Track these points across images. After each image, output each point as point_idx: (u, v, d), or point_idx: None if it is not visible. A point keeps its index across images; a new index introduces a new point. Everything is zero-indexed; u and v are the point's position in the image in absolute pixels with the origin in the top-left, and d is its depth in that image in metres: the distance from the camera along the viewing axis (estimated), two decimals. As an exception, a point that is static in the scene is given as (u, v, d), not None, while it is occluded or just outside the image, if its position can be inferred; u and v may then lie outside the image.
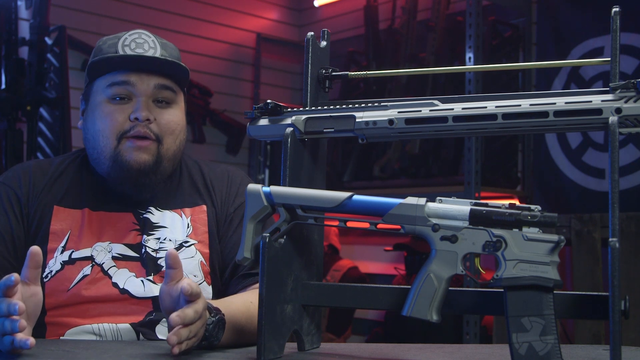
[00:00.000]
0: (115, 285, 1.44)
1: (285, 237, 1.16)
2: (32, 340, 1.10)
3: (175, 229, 1.52)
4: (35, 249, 1.18)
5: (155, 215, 1.53)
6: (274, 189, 1.16)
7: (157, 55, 1.50)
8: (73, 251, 1.46)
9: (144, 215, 1.52)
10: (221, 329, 1.26)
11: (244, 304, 1.39)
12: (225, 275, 1.55)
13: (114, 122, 1.47)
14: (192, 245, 1.52)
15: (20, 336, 1.10)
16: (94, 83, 1.53)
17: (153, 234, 1.51)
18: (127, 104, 1.49)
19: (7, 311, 1.11)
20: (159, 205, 1.55)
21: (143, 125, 1.47)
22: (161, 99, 1.51)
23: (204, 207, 1.57)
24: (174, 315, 1.14)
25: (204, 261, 1.52)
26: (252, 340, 1.32)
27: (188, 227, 1.54)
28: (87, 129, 1.52)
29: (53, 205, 1.50)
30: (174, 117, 1.52)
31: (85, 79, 1.56)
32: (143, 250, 1.49)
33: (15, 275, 1.12)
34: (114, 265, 1.46)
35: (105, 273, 1.45)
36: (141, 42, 1.51)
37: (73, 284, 1.43)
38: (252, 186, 1.17)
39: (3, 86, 3.26)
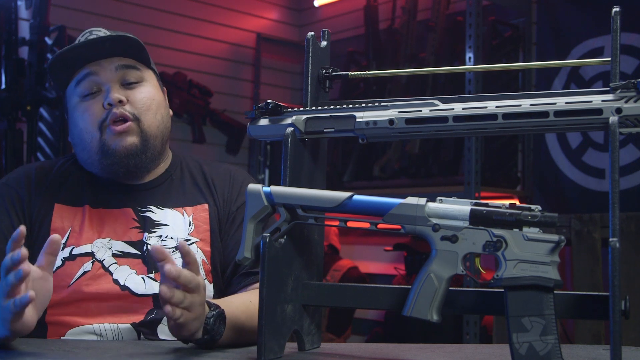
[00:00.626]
0: (116, 281, 1.44)
1: (285, 237, 1.16)
2: (31, 293, 1.07)
3: (176, 227, 1.53)
4: (56, 237, 1.17)
5: (157, 214, 1.53)
6: (275, 188, 1.16)
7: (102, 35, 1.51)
8: (74, 247, 1.46)
9: (145, 214, 1.53)
10: (222, 322, 1.25)
11: (243, 302, 1.39)
12: (226, 274, 1.55)
13: (91, 116, 1.49)
14: (194, 243, 1.52)
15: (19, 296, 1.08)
16: (65, 93, 1.56)
17: (155, 232, 1.51)
18: (98, 96, 1.51)
19: (11, 262, 1.08)
20: (159, 204, 1.55)
21: (117, 108, 1.48)
22: (128, 80, 1.52)
23: (206, 205, 1.57)
24: (169, 266, 1.11)
25: (205, 259, 1.52)
26: (252, 339, 1.32)
27: (190, 225, 1.54)
28: (73, 134, 1.54)
29: (54, 203, 1.50)
30: (147, 93, 1.53)
31: (62, 97, 1.59)
32: (144, 247, 1.49)
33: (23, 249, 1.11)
34: (115, 262, 1.46)
35: (106, 269, 1.45)
36: (92, 37, 1.52)
37: (74, 279, 1.43)
38: (252, 186, 1.17)
39: (3, 86, 3.26)
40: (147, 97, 1.52)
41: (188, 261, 1.17)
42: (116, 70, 1.51)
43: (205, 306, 1.22)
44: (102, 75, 1.50)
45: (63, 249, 1.46)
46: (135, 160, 1.49)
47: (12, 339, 1.17)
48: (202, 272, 1.50)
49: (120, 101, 1.48)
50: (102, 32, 1.54)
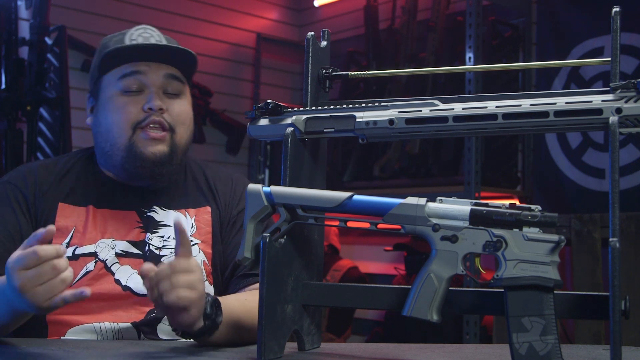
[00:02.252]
0: (117, 282, 1.45)
1: (285, 237, 1.16)
2: (88, 291, 1.16)
3: None
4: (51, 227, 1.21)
5: (160, 214, 1.54)
6: (275, 188, 1.16)
7: (165, 43, 1.53)
8: (77, 247, 1.46)
9: (148, 214, 1.53)
10: (219, 308, 1.27)
11: (238, 299, 1.40)
12: (225, 275, 1.56)
13: (128, 114, 1.49)
14: (196, 245, 1.53)
15: (69, 291, 1.15)
16: (102, 78, 1.55)
17: (157, 232, 1.52)
18: (139, 96, 1.51)
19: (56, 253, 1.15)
20: (163, 204, 1.55)
21: (157, 115, 1.50)
22: (170, 90, 1.54)
23: (209, 208, 1.58)
24: (147, 266, 1.19)
25: (206, 261, 1.53)
26: (251, 338, 1.32)
27: (192, 226, 1.54)
28: (99, 123, 1.53)
29: (58, 202, 1.50)
30: (184, 107, 1.55)
31: (92, 76, 1.58)
32: (146, 247, 1.49)
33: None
34: (117, 262, 1.46)
35: (108, 269, 1.45)
36: (147, 36, 1.54)
37: (76, 280, 1.43)
38: (252, 186, 1.17)
39: (3, 86, 3.26)
40: (185, 112, 1.55)
41: (182, 242, 1.20)
42: (164, 77, 1.53)
43: (204, 294, 1.23)
44: (150, 77, 1.52)
45: (66, 248, 1.46)
46: (161, 169, 1.50)
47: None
48: (203, 273, 1.50)
49: (161, 109, 1.50)
50: (155, 32, 1.56)
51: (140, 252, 1.48)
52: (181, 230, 1.19)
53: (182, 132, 1.53)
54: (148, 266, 1.19)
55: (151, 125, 1.49)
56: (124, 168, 1.51)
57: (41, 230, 1.17)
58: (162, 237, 1.51)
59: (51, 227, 1.17)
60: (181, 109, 1.54)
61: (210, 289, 1.52)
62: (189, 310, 1.19)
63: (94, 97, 1.57)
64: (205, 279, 1.51)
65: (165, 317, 1.40)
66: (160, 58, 1.53)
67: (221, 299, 1.35)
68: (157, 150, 1.49)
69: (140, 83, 1.51)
